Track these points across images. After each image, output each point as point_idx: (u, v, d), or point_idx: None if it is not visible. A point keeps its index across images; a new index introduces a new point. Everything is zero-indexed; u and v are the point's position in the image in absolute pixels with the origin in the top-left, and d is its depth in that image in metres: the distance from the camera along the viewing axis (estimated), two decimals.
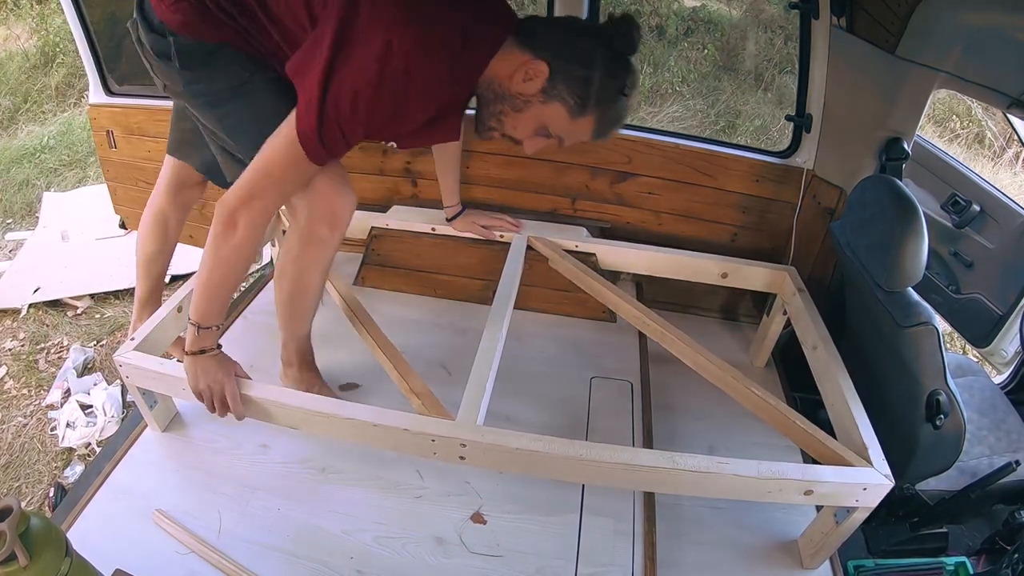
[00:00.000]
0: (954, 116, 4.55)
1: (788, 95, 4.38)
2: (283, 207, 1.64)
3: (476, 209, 1.70)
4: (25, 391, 2.33)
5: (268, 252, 2.33)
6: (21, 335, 2.58)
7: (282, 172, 1.00)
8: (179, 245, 2.60)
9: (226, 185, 1.27)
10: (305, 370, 1.42)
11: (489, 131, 1.11)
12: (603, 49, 1.01)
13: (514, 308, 1.37)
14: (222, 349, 1.14)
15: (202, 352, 1.10)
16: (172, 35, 1.02)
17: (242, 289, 2.08)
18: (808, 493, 1.04)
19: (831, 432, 1.18)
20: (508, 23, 1.07)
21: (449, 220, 1.69)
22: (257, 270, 2.67)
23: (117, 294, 2.80)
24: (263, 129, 1.06)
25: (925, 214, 1.16)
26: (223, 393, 1.10)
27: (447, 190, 1.64)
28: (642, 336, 1.71)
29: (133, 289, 2.76)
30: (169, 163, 1.49)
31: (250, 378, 1.15)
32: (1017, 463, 1.39)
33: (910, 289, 1.20)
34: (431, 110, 1.03)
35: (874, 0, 1.30)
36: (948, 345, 2.22)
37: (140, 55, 1.11)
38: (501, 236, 1.66)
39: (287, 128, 0.97)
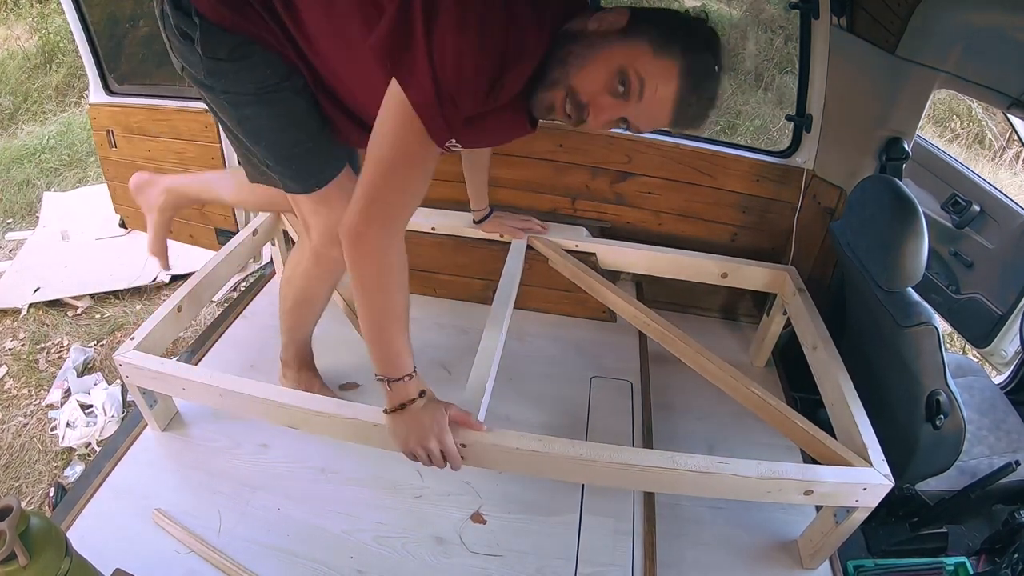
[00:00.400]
0: (954, 116, 4.54)
1: (788, 95, 4.37)
2: (292, 225, 1.62)
3: (503, 211, 1.66)
4: (25, 391, 2.33)
5: (268, 251, 2.33)
6: (21, 335, 2.58)
7: (400, 164, 0.85)
8: (180, 245, 2.62)
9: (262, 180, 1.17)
10: (304, 371, 1.41)
11: (550, 88, 0.88)
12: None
13: (514, 308, 1.37)
14: (425, 395, 1.00)
15: (403, 407, 0.98)
16: (199, 17, 0.91)
17: (242, 288, 2.08)
18: (808, 493, 1.04)
19: (831, 432, 1.18)
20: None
21: (477, 223, 1.64)
22: (257, 269, 2.67)
23: (117, 294, 2.80)
24: (284, 140, 1.00)
25: (925, 214, 1.16)
26: (438, 450, 0.98)
27: (475, 192, 1.57)
28: (642, 336, 1.71)
29: (133, 289, 2.79)
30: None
31: (468, 413, 1.05)
32: (1017, 463, 1.39)
33: (910, 289, 1.20)
34: (527, 71, 0.87)
35: (874, 0, 1.30)
36: (948, 345, 2.22)
37: (161, 31, 0.99)
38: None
39: (394, 115, 0.83)
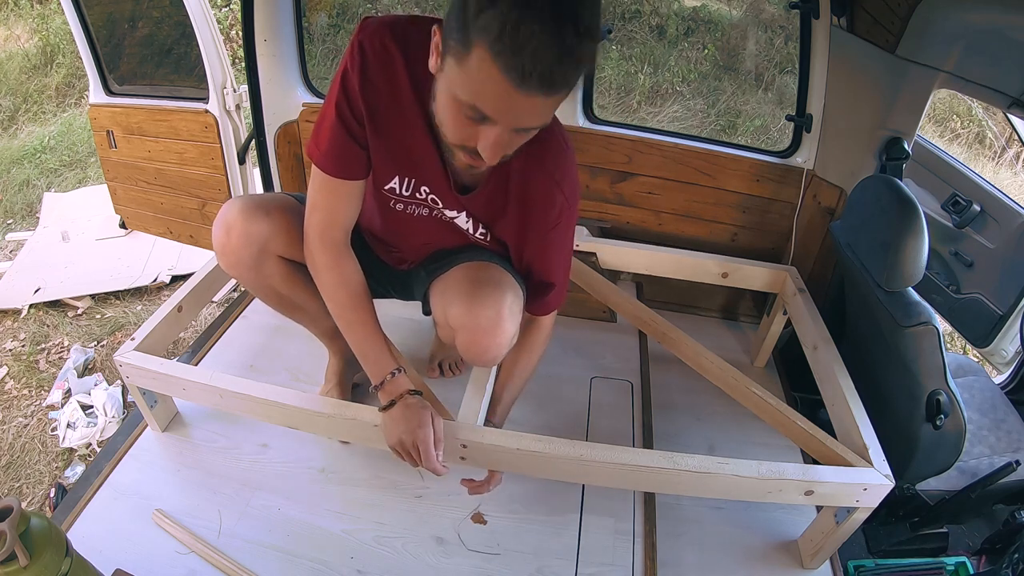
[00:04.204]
0: (954, 116, 4.54)
1: (788, 95, 4.37)
2: None
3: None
4: (26, 391, 2.33)
5: None
6: (22, 335, 2.58)
7: (314, 189, 1.02)
8: (181, 246, 2.61)
9: None
10: (334, 390, 1.43)
11: (448, 150, 0.88)
12: None
13: None
14: (419, 395, 1.04)
15: (391, 404, 1.02)
16: None
17: (242, 289, 2.08)
18: (808, 493, 1.04)
19: (831, 432, 1.18)
20: None
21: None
22: None
23: (118, 294, 2.79)
24: None
25: (925, 214, 1.16)
26: (413, 445, 0.99)
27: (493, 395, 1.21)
28: (642, 336, 1.71)
29: (133, 289, 2.79)
30: None
31: (453, 417, 1.08)
32: (1017, 463, 1.39)
33: (910, 289, 1.20)
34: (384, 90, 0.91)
35: (874, 0, 1.30)
36: (948, 345, 2.22)
37: None
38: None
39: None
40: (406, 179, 1.02)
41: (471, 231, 1.10)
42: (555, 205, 1.02)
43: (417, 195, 1.05)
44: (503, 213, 1.05)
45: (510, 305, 1.06)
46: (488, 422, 1.17)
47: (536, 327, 1.17)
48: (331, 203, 1.01)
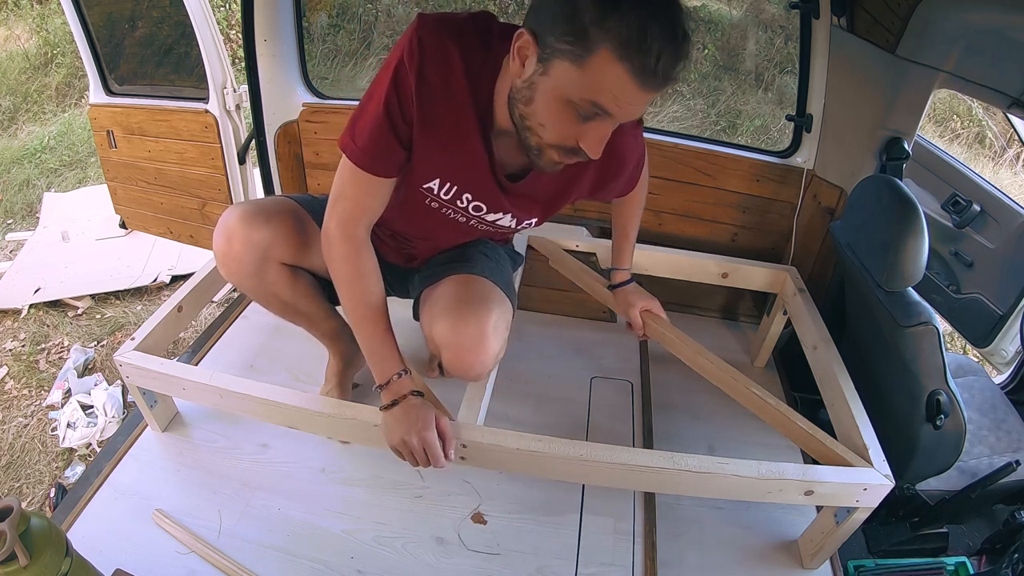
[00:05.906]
0: (955, 116, 4.54)
1: (788, 95, 4.37)
2: None
3: (640, 288, 1.42)
4: (26, 391, 2.33)
5: None
6: (22, 335, 2.58)
7: (344, 180, 0.99)
8: (181, 246, 2.61)
9: None
10: (335, 389, 1.43)
11: (542, 153, 0.88)
12: None
13: None
14: (421, 396, 1.03)
15: (394, 404, 1.02)
16: None
17: None
18: (808, 493, 1.04)
19: (831, 432, 1.18)
20: None
21: (612, 287, 1.44)
22: None
23: (118, 294, 2.80)
24: None
25: (925, 214, 1.15)
26: (420, 447, 0.99)
27: (615, 249, 1.43)
28: None
29: (133, 289, 2.79)
30: None
31: (453, 418, 1.07)
32: (1017, 463, 1.39)
33: (910, 289, 1.20)
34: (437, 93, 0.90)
35: (874, 0, 1.30)
36: (948, 345, 2.22)
37: None
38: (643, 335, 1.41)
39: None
40: (448, 183, 1.02)
41: (513, 226, 1.12)
42: (637, 143, 1.14)
43: (458, 202, 1.04)
44: (579, 177, 1.07)
45: (494, 323, 1.08)
46: (617, 269, 1.41)
47: (635, 190, 1.30)
48: (359, 196, 0.99)
